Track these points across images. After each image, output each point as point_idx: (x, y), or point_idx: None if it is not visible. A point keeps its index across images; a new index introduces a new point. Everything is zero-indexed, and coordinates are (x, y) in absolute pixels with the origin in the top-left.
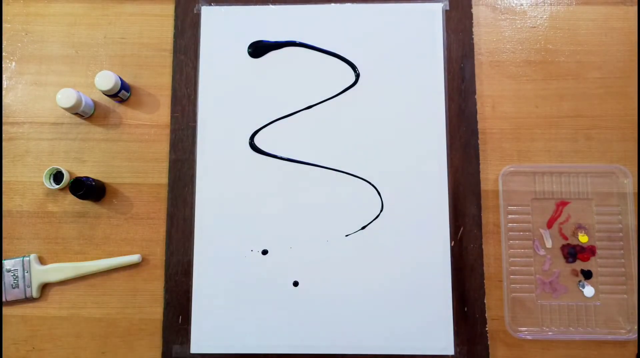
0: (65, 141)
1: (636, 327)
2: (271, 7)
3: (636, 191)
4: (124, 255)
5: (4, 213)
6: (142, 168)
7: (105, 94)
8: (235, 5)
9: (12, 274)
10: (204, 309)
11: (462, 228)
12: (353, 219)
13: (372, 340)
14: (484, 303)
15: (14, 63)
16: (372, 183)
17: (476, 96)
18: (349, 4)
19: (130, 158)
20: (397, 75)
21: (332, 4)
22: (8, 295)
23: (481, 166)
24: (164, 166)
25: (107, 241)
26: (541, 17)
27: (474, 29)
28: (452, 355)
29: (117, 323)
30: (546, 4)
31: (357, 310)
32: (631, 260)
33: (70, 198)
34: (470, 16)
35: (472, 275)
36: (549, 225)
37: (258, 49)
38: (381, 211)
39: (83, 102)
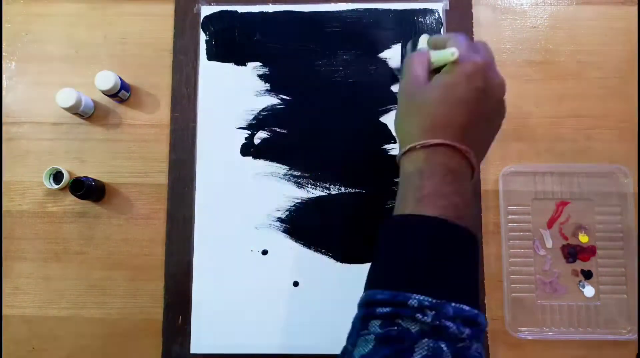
0: (65, 141)
1: (636, 327)
2: (271, 7)
3: (636, 191)
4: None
5: (4, 213)
6: (142, 168)
7: (105, 94)
8: (235, 5)
9: None
10: (204, 309)
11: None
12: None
13: None
14: (484, 303)
15: (14, 63)
16: (372, 183)
17: None
18: (348, 4)
19: (130, 158)
20: (396, 74)
21: (332, 4)
22: None
23: (481, 166)
24: (164, 166)
25: (107, 241)
26: (541, 17)
27: (474, 29)
28: None
29: (117, 323)
30: (546, 4)
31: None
32: (631, 260)
33: (70, 198)
34: (470, 16)
35: None
36: (549, 225)
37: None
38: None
39: (83, 102)
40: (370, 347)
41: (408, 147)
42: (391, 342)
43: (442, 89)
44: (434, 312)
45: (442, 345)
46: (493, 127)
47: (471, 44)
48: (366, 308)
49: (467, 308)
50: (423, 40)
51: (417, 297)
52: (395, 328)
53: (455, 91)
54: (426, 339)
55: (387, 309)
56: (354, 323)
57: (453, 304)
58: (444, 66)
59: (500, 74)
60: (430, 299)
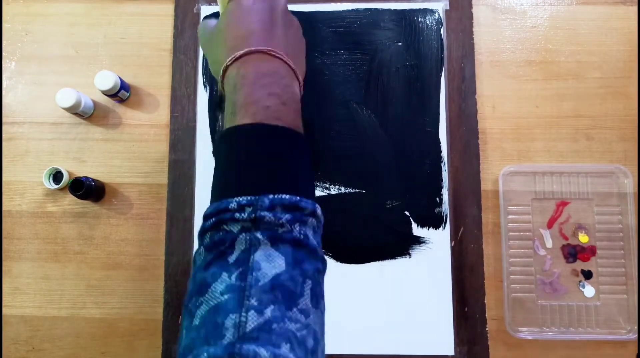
0: (65, 141)
1: (636, 327)
2: None
3: (636, 191)
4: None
5: (3, 213)
6: (142, 168)
7: (105, 94)
8: None
9: None
10: None
11: (462, 228)
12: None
13: (371, 340)
14: (484, 303)
15: (14, 63)
16: (372, 183)
17: (476, 96)
18: (348, 4)
19: (130, 158)
20: (396, 74)
21: (332, 4)
22: None
23: (481, 166)
24: (164, 166)
25: (106, 241)
26: (541, 17)
27: (474, 29)
28: (452, 355)
29: (117, 323)
30: (546, 4)
31: (356, 310)
32: (631, 260)
33: (70, 198)
34: (470, 16)
35: (472, 275)
36: (549, 225)
37: None
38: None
39: (83, 102)
40: (202, 258)
41: (221, 69)
42: (216, 246)
43: (231, 13)
44: (251, 208)
45: (258, 234)
46: (289, 35)
47: None
48: (201, 227)
49: (286, 196)
50: None
51: (235, 199)
52: (220, 233)
53: (242, 10)
54: (243, 234)
55: (213, 219)
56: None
57: (270, 196)
58: None
59: None
60: (248, 197)
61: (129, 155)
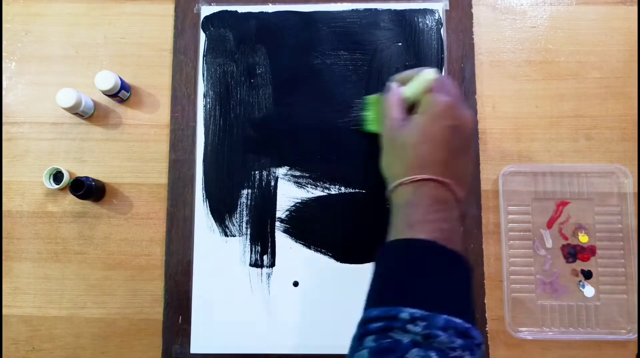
0: (65, 141)
1: (636, 327)
2: (271, 7)
3: (636, 191)
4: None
5: (4, 213)
6: (142, 168)
7: (105, 94)
8: (235, 5)
9: None
10: (204, 309)
11: (462, 228)
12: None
13: None
14: (484, 303)
15: (14, 63)
16: (372, 183)
17: (476, 96)
18: (348, 4)
19: (130, 158)
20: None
21: (332, 4)
22: None
23: (481, 166)
24: (164, 166)
25: (107, 241)
26: (541, 17)
27: (474, 29)
28: None
29: (117, 323)
30: (546, 4)
31: (356, 311)
32: (631, 260)
33: (70, 198)
34: (470, 16)
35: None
36: (549, 225)
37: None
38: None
39: (83, 102)
40: None
41: (397, 183)
42: (384, 353)
43: (420, 130)
44: (425, 322)
45: (432, 354)
46: (468, 158)
47: (439, 80)
48: (362, 327)
49: (458, 320)
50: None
51: (408, 310)
52: (388, 340)
53: (431, 131)
54: (416, 349)
55: (380, 324)
56: (351, 343)
57: (444, 316)
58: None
59: (468, 109)
60: (421, 311)
61: (129, 155)
